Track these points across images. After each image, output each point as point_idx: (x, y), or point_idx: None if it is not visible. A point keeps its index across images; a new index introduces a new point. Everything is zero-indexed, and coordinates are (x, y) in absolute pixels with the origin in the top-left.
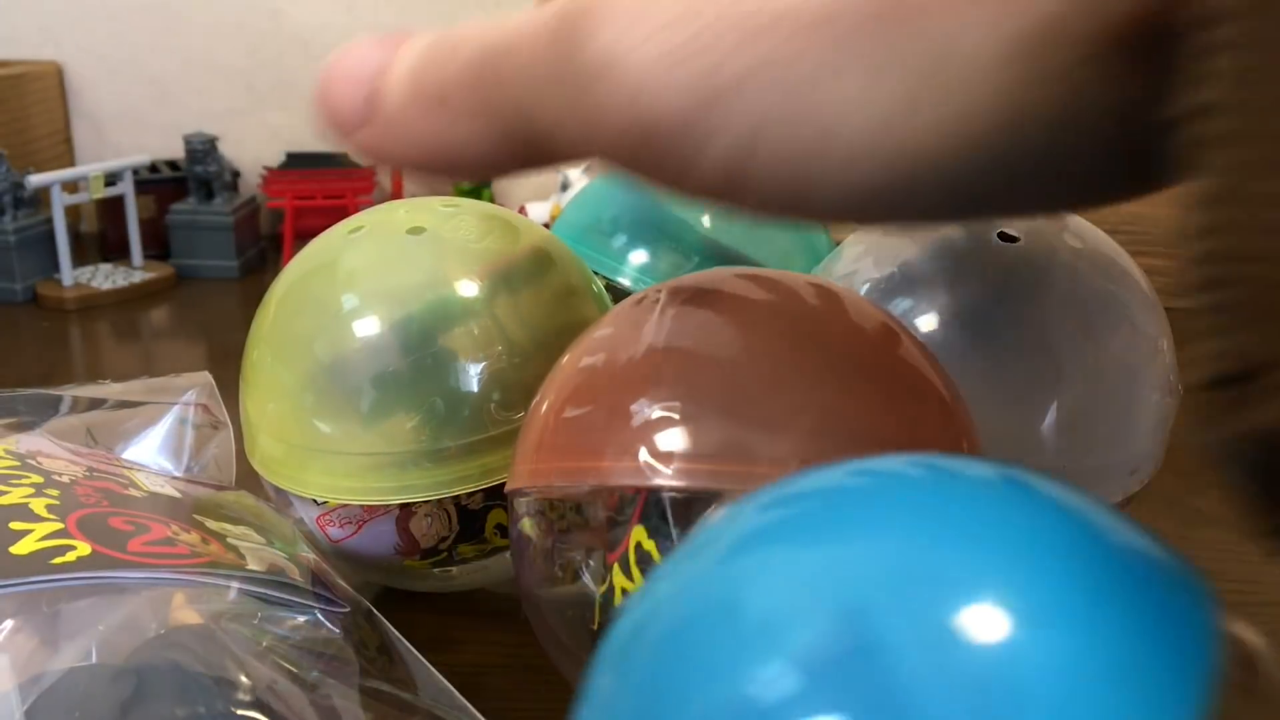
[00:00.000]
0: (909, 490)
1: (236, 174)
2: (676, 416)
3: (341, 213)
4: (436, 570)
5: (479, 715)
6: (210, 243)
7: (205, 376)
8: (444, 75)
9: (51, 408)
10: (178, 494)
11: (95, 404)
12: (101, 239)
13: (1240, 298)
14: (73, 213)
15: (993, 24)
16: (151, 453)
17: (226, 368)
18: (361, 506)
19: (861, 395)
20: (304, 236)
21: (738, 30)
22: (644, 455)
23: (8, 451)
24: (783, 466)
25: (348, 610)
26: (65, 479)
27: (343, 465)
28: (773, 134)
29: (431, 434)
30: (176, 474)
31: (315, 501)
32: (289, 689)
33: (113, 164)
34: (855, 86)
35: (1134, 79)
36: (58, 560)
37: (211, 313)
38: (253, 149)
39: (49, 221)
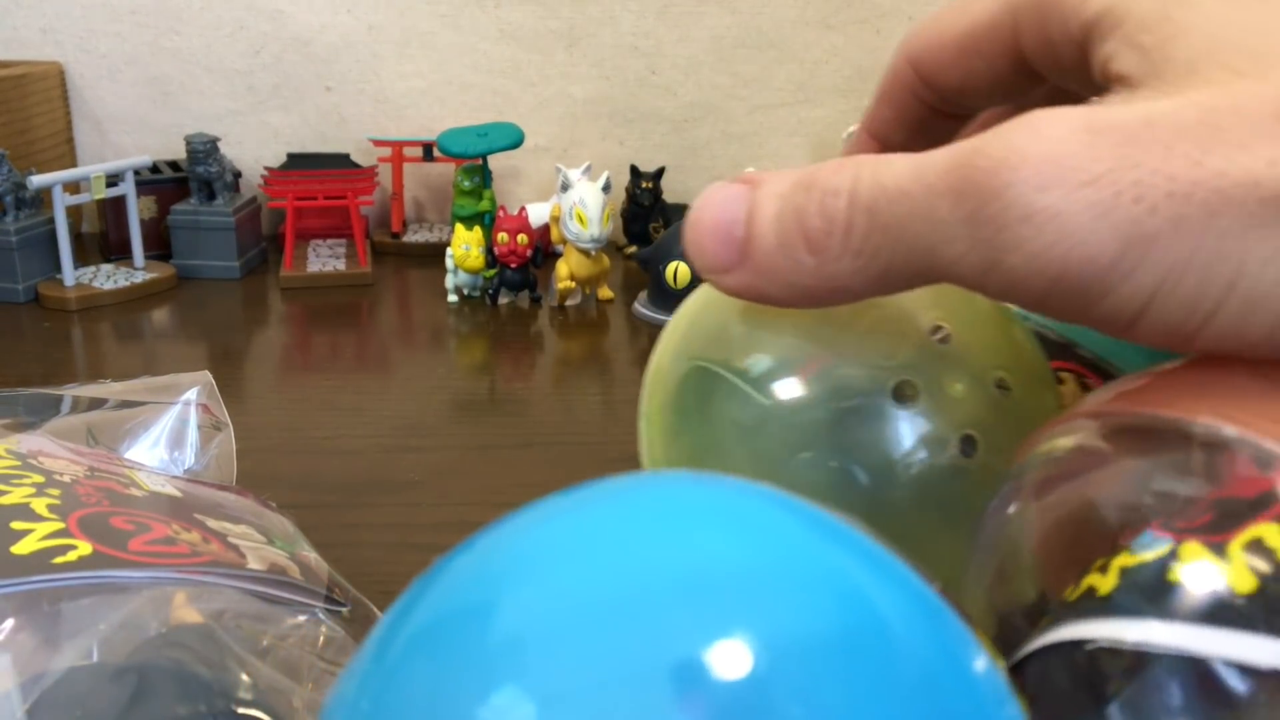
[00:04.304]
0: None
1: (238, 174)
2: None
3: (343, 213)
4: None
5: None
6: (212, 243)
7: (206, 376)
8: (814, 222)
9: (53, 407)
10: (178, 493)
11: (96, 404)
12: (103, 239)
13: None
14: (75, 213)
15: None
16: (152, 452)
17: (227, 368)
18: None
19: None
20: (305, 236)
21: (1156, 193)
22: None
23: (9, 451)
24: None
25: (349, 608)
26: (66, 478)
27: None
28: (1180, 281)
29: None
30: (177, 473)
31: None
32: (290, 688)
33: (114, 164)
34: (1271, 246)
35: None
36: (59, 560)
37: (213, 313)
38: (254, 149)
39: (51, 222)
